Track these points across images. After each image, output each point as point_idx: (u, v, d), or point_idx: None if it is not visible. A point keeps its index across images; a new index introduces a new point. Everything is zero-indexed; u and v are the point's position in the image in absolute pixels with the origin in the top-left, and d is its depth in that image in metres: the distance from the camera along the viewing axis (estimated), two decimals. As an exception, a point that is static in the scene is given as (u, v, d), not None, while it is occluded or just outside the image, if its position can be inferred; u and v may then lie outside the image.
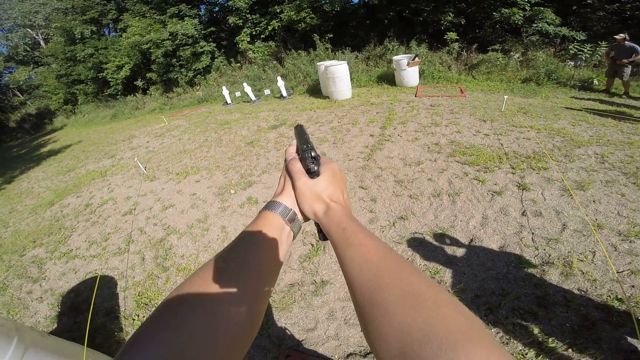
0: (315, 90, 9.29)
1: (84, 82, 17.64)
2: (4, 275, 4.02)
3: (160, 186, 5.17)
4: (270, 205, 0.50)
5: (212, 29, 13.99)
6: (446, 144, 4.36)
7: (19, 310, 3.33)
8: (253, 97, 10.17)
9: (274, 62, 12.24)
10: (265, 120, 7.53)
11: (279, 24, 12.69)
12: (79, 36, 16.18)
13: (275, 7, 12.69)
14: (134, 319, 2.78)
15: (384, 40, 10.26)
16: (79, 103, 19.32)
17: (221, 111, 9.89)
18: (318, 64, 8.80)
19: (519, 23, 8.27)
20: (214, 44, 13.80)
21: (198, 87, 13.62)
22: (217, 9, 15.10)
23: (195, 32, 12.90)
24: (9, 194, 7.67)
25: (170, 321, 0.32)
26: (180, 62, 13.58)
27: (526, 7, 8.28)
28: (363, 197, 3.53)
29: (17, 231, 5.19)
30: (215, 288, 0.37)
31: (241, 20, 13.00)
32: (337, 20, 11.96)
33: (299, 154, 0.58)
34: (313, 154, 0.53)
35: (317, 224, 0.53)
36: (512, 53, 8.05)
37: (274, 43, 12.95)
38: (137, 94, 15.48)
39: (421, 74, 8.04)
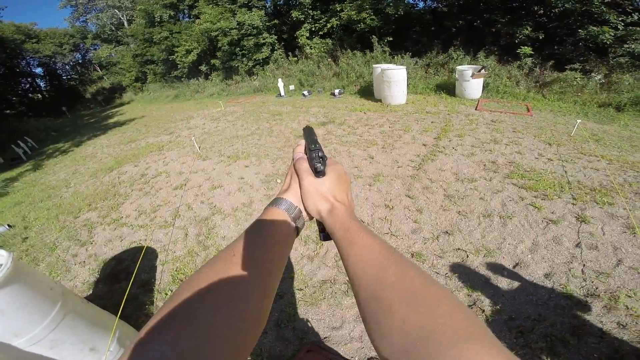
0: (367, 92, 9.20)
1: (155, 63, 19.25)
2: (56, 236, 4.33)
3: (211, 166, 5.48)
4: (276, 202, 0.51)
5: (275, 21, 14.43)
6: (504, 164, 4.08)
7: (60, 273, 3.50)
8: (305, 93, 10.36)
9: (329, 59, 12.32)
10: (315, 115, 7.64)
11: (338, 22, 12.73)
12: (158, 19, 17.63)
13: (336, 5, 12.74)
14: (166, 293, 2.90)
15: (449, 49, 9.85)
16: (147, 81, 21.17)
17: (274, 102, 10.21)
18: (374, 66, 8.70)
19: (608, 43, 7.44)
20: (275, 37, 14.25)
21: (255, 77, 14.20)
22: (281, 2, 15.49)
23: (260, 24, 13.41)
24: (75, 157, 8.64)
25: (180, 318, 0.33)
26: (243, 51, 14.22)
27: (619, 27, 7.41)
28: (408, 206, 3.44)
29: (76, 192, 5.76)
30: (226, 283, 0.37)
31: (303, 15, 13.23)
32: (399, 24, 11.71)
33: (306, 154, 0.58)
34: (320, 154, 0.54)
35: (319, 224, 0.53)
36: (593, 74, 7.28)
37: (330, 41, 13.03)
38: (199, 78, 16.57)
39: (485, 86, 7.59)
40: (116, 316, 2.26)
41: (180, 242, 3.59)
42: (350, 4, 11.81)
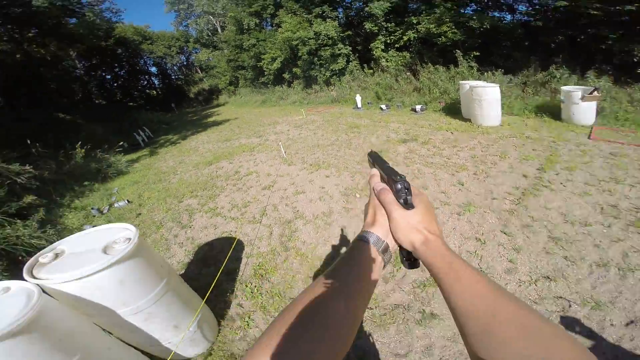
0: (453, 110, 8.75)
1: (245, 69, 21.30)
2: (162, 215, 5.08)
3: (295, 172, 5.85)
4: (364, 236, 0.53)
5: (349, 32, 14.66)
6: (628, 209, 3.48)
7: (162, 250, 3.93)
8: (383, 107, 10.33)
9: (408, 73, 12.05)
10: (395, 132, 7.56)
11: (415, 35, 12.37)
12: (246, 27, 19.45)
13: (412, 17, 12.39)
14: (247, 285, 3.13)
15: (549, 66, 8.79)
16: (239, 86, 23.55)
17: (351, 114, 10.42)
18: (461, 82, 8.25)
19: None
20: (350, 48, 14.52)
21: (332, 87, 14.68)
22: (353, 13, 15.66)
23: (335, 34, 13.81)
24: (181, 148, 10.03)
25: (287, 341, 0.38)
26: (321, 61, 14.82)
27: None
28: (504, 244, 3.18)
29: (181, 180, 6.68)
30: (325, 314, 0.42)
31: (376, 27, 13.17)
32: (486, 37, 10.87)
33: (384, 181, 0.58)
34: (406, 184, 0.53)
35: (402, 252, 0.54)
36: None
37: (408, 54, 12.75)
38: (283, 86, 17.84)
39: (599, 111, 6.56)
40: (202, 299, 2.51)
41: (265, 240, 3.91)
42: (428, 17, 11.39)
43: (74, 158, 8.71)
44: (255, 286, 3.12)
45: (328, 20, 14.11)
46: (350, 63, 14.50)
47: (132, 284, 1.80)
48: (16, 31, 13.90)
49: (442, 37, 10.86)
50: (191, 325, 2.17)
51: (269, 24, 20.53)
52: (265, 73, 18.52)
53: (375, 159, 0.68)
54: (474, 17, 10.37)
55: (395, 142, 6.72)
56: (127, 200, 5.95)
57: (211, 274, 3.28)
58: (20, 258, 3.77)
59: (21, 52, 14.87)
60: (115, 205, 5.83)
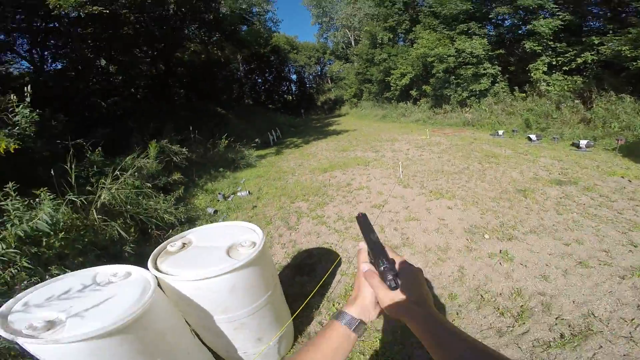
0: (636, 152, 6.58)
1: (372, 82, 21.74)
2: (274, 212, 5.32)
3: (411, 196, 5.43)
4: (338, 316, 0.63)
5: (500, 51, 12.90)
6: None
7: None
8: (533, 137, 8.65)
9: (576, 101, 9.72)
10: (546, 169, 6.17)
11: (595, 57, 9.83)
12: (380, 41, 19.69)
13: (593, 37, 9.84)
14: (334, 304, 2.92)
15: None
16: (362, 98, 24.27)
17: (488, 141, 9.13)
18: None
19: None
20: (499, 68, 12.76)
21: (468, 109, 13.30)
22: (508, 33, 13.67)
23: (482, 52, 12.37)
24: (302, 152, 10.81)
25: None
26: (458, 80, 13.64)
27: None
28: None
29: (297, 182, 7.04)
30: None
31: (540, 47, 11.08)
32: None
33: (370, 260, 0.68)
34: (393, 274, 0.59)
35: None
36: None
37: (580, 78, 10.26)
38: (408, 102, 17.34)
39: None
40: (291, 315, 2.38)
41: None
42: (618, 37, 8.84)
43: (218, 147, 10.58)
44: (341, 306, 2.98)
45: (475, 37, 12.91)
46: (497, 84, 12.84)
47: (241, 291, 1.71)
48: (206, 34, 17.33)
49: (639, 61, 8.35)
50: (273, 341, 2.06)
51: (402, 39, 20.40)
52: (392, 88, 18.41)
53: (365, 228, 0.71)
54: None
55: (546, 183, 5.45)
56: (249, 192, 6.67)
57: (303, 284, 3.27)
58: (149, 231, 4.50)
59: (205, 53, 18.90)
60: (238, 194, 6.59)
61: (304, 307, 2.79)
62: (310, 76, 41.80)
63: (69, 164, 3.96)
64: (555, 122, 9.29)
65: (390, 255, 0.66)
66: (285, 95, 39.64)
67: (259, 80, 38.09)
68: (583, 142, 7.44)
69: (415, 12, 18.03)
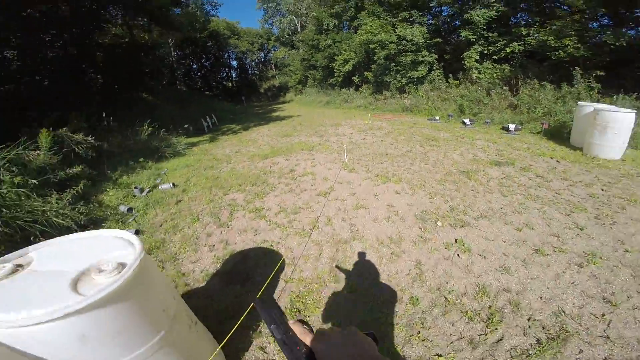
0: (558, 135, 7.14)
1: (316, 69, 21.17)
2: (202, 207, 4.51)
3: (357, 181, 5.01)
4: None
5: (437, 39, 13.36)
6: None
7: (188, 250, 3.40)
8: (467, 122, 8.96)
9: (504, 87, 10.41)
10: (484, 151, 6.29)
11: (522, 47, 10.70)
12: (325, 27, 19.23)
13: (521, 28, 10.71)
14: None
15: None
16: (307, 85, 23.58)
17: (427, 125, 9.24)
18: (580, 104, 6.64)
19: None
20: (436, 56, 13.20)
21: (406, 96, 13.54)
22: (442, 21, 14.29)
23: (421, 40, 12.67)
24: (241, 138, 9.85)
25: None
26: (398, 67, 13.79)
27: None
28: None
29: (232, 170, 6.22)
30: None
31: (474, 36, 11.71)
32: (615, 56, 8.81)
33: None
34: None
35: None
36: None
37: (508, 67, 11.04)
38: (350, 89, 17.17)
39: None
40: (220, 341, 1.81)
41: (311, 261, 3.11)
42: (544, 29, 9.68)
43: (139, 134, 9.09)
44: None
45: (415, 25, 13.08)
46: (433, 72, 13.21)
47: (98, 342, 1.11)
48: (130, 17, 15.22)
49: (560, 51, 9.12)
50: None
51: (347, 26, 20.17)
52: (335, 74, 18.08)
53: (267, 316, 0.52)
54: (609, 32, 8.51)
55: (486, 164, 5.48)
56: (172, 184, 5.63)
57: (237, 295, 2.63)
58: (32, 239, 3.41)
59: (129, 37, 16.44)
60: (160, 187, 5.55)
61: (239, 328, 2.09)
62: (253, 63, 39.67)
63: None
64: (486, 108, 9.80)
65: (308, 340, 0.47)
66: (224, 82, 37.05)
67: (194, 65, 34.89)
68: (512, 126, 7.85)
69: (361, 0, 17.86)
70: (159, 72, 23.86)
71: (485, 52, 11.58)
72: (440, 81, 12.89)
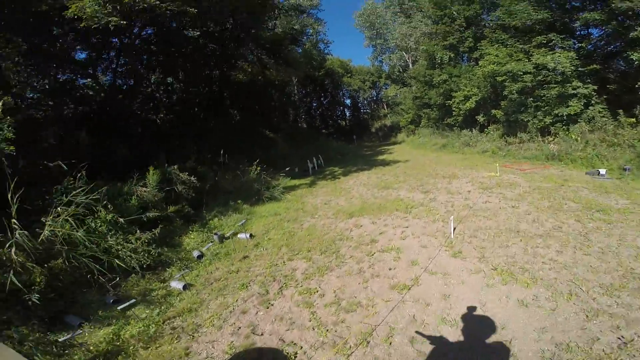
0: None
1: (431, 107, 19.56)
2: (260, 270, 4.12)
3: (461, 273, 3.57)
4: None
5: (595, 66, 10.02)
6: None
7: (212, 324, 3.12)
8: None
9: None
10: None
11: None
12: (439, 61, 17.57)
13: None
14: None
15: None
16: (420, 125, 22.08)
17: (586, 184, 6.60)
18: None
19: None
20: (594, 87, 9.85)
21: (552, 139, 10.53)
22: (601, 46, 10.70)
23: (570, 68, 9.72)
24: (336, 186, 9.25)
25: None
26: (538, 103, 10.99)
27: None
28: None
29: (311, 227, 5.66)
30: None
31: None
32: None
33: None
34: None
35: None
36: None
37: None
38: (473, 130, 14.83)
39: None
40: None
41: None
42: None
43: (249, 173, 9.76)
44: None
45: (558, 50, 10.40)
46: (592, 107, 9.97)
47: None
48: (261, 54, 17.34)
49: None
50: None
51: (466, 59, 18.11)
52: (454, 113, 16.12)
53: None
54: None
55: None
56: (250, 235, 5.61)
57: None
58: (89, 277, 3.56)
59: (262, 74, 18.96)
60: (239, 235, 5.61)
61: None
62: (365, 101, 40.88)
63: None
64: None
65: None
66: (339, 120, 39.25)
67: (314, 104, 38.47)
68: None
69: (480, 28, 15.88)
70: (284, 109, 26.96)
71: None
72: (605, 119, 9.53)
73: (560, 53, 10.10)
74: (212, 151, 12.60)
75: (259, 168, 9.74)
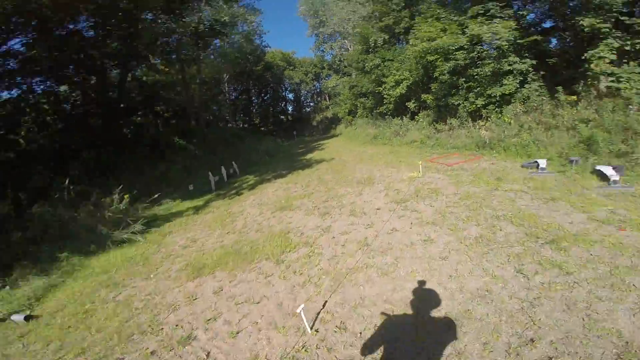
0: None
1: (366, 96, 17.89)
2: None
3: None
4: None
5: (535, 37, 8.75)
6: None
7: None
8: (610, 173, 4.50)
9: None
10: None
11: None
12: (372, 44, 15.90)
13: None
14: None
15: None
16: (357, 116, 20.35)
17: (525, 183, 4.99)
18: None
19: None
20: (532, 62, 8.58)
21: (483, 123, 9.16)
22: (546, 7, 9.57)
23: (508, 39, 8.34)
24: (229, 208, 7.04)
25: None
26: (470, 83, 9.60)
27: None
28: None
29: (127, 300, 3.56)
30: None
31: (607, 25, 6.94)
32: None
33: None
34: None
35: None
36: None
37: None
38: (404, 117, 13.28)
39: None
40: None
41: None
42: None
43: (113, 204, 7.19)
44: None
45: (497, 20, 8.87)
46: (528, 84, 8.66)
47: None
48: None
49: None
50: None
51: (402, 41, 16.60)
52: (385, 101, 14.52)
53: None
54: None
55: None
56: (28, 316, 3.42)
57: None
58: None
59: (182, 74, 16.59)
60: (13, 317, 3.46)
61: None
62: (308, 94, 38.70)
63: None
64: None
65: None
66: (280, 116, 36.66)
67: (255, 100, 35.39)
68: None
69: (417, 6, 14.29)
70: (210, 110, 23.66)
71: (629, 48, 6.73)
72: (541, 98, 8.25)
73: (498, 23, 8.59)
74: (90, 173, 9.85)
75: (127, 196, 7.23)
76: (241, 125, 31.97)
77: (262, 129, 31.53)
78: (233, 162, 12.33)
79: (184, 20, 14.65)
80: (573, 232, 3.21)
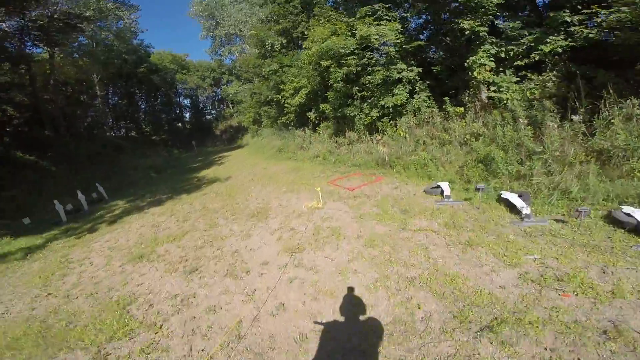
0: None
1: (270, 104, 16.46)
2: None
3: None
4: None
5: (419, 43, 8.50)
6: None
7: None
8: (517, 202, 4.11)
9: (551, 113, 5.71)
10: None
11: (568, 44, 6.13)
12: (269, 47, 14.65)
13: (563, 13, 6.15)
14: None
15: None
16: (262, 125, 18.68)
17: (433, 217, 4.27)
18: None
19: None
20: (419, 69, 8.31)
21: (380, 137, 8.71)
22: (421, 17, 9.67)
23: (395, 42, 8.04)
24: (73, 251, 4.72)
25: None
26: (364, 92, 9.13)
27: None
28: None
29: None
30: None
31: (484, 28, 6.89)
32: None
33: None
34: None
35: None
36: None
37: (553, 77, 6.41)
38: (306, 129, 12.28)
39: None
40: None
41: None
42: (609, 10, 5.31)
43: None
44: None
45: (384, 22, 8.48)
46: (417, 95, 8.43)
47: None
48: None
49: None
50: None
51: (301, 46, 15.75)
52: (285, 110, 13.37)
53: None
54: None
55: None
56: None
57: None
58: None
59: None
60: None
61: None
62: (208, 100, 35.17)
63: None
64: (544, 160, 4.94)
65: None
66: (177, 124, 32.23)
67: (143, 106, 30.06)
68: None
69: (311, 8, 13.58)
70: (54, 118, 18.56)
71: (504, 55, 6.90)
72: (431, 109, 8.08)
73: (385, 24, 8.18)
74: None
75: None
76: (124, 133, 26.65)
77: (154, 138, 26.91)
78: (97, 184, 9.30)
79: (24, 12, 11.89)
80: (510, 305, 2.37)
